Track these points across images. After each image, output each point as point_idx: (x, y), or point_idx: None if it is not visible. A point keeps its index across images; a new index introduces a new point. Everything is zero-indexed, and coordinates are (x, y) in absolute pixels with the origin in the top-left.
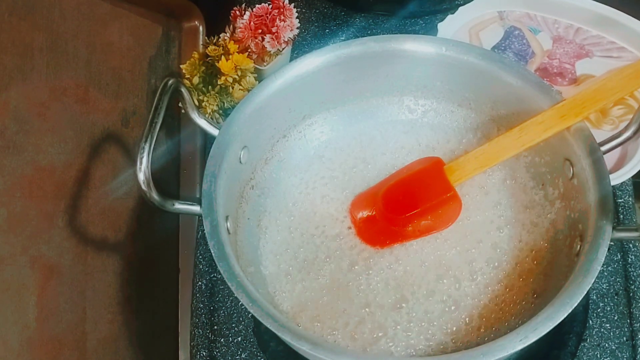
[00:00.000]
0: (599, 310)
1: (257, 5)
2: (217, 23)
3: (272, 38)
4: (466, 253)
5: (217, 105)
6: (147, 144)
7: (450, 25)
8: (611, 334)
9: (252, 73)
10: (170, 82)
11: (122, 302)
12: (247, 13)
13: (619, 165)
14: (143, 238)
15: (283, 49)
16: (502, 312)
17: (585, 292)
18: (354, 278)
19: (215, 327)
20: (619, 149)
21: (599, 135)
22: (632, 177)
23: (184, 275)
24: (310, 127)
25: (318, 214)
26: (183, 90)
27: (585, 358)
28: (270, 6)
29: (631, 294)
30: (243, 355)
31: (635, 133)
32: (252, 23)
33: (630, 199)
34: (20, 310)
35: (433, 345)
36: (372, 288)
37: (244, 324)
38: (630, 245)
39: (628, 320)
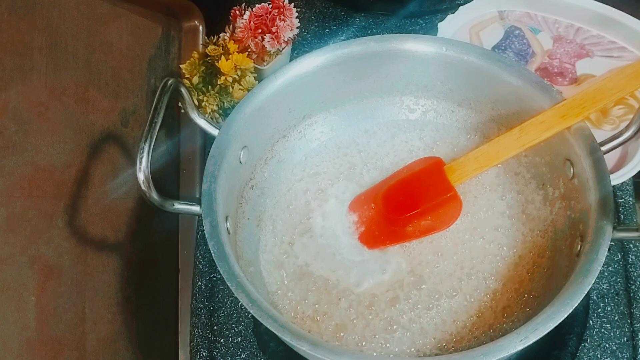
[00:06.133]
0: (599, 310)
1: (257, 5)
2: (217, 23)
3: (272, 38)
4: (465, 253)
5: (217, 105)
6: (147, 144)
7: (451, 25)
8: (612, 334)
9: (252, 73)
10: (170, 81)
11: (122, 302)
12: (247, 13)
13: (619, 165)
14: (143, 238)
15: (283, 48)
16: (502, 313)
17: (586, 293)
18: (354, 278)
19: (215, 327)
20: (619, 149)
21: (600, 135)
22: (633, 177)
23: (184, 275)
24: (310, 127)
25: (318, 214)
26: (183, 90)
27: (585, 358)
28: (270, 6)
29: (632, 294)
30: (243, 356)
31: (635, 133)
32: (252, 23)
33: (630, 199)
34: (19, 311)
35: (433, 346)
36: (371, 288)
37: (243, 325)
38: (631, 246)
39: (628, 321)
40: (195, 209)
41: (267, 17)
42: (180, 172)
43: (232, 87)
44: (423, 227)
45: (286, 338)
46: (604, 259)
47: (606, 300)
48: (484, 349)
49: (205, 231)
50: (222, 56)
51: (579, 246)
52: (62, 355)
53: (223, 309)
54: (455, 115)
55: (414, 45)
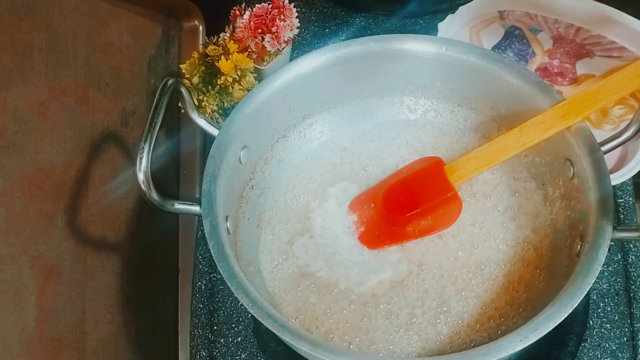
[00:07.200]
0: (599, 310)
1: (257, 5)
2: (217, 23)
3: (272, 38)
4: (466, 253)
5: (217, 105)
6: (147, 144)
7: (451, 25)
8: (612, 334)
9: (252, 73)
10: (170, 82)
11: (122, 302)
12: (247, 13)
13: (619, 165)
14: (143, 238)
15: (283, 48)
16: (502, 313)
17: (586, 293)
18: (354, 278)
19: (215, 327)
20: (619, 149)
21: (600, 135)
22: (633, 177)
23: (184, 275)
24: (310, 127)
25: (318, 214)
26: (183, 90)
27: (585, 358)
28: (270, 6)
29: (632, 294)
30: (243, 356)
31: (635, 133)
32: (252, 23)
33: (630, 198)
34: (19, 311)
35: (433, 346)
36: (371, 288)
37: (243, 325)
38: (631, 245)
39: (628, 321)
40: (195, 209)
41: (267, 17)
42: (180, 172)
43: (232, 87)
44: (423, 227)
45: (286, 338)
46: (604, 259)
47: (606, 300)
48: (484, 348)
49: (205, 231)
50: (222, 56)
51: (579, 246)
52: (62, 355)
53: (223, 309)
54: (455, 115)
55: (414, 45)
